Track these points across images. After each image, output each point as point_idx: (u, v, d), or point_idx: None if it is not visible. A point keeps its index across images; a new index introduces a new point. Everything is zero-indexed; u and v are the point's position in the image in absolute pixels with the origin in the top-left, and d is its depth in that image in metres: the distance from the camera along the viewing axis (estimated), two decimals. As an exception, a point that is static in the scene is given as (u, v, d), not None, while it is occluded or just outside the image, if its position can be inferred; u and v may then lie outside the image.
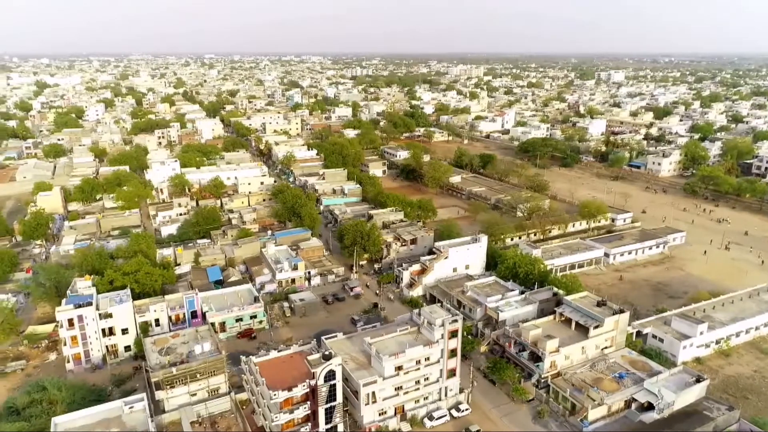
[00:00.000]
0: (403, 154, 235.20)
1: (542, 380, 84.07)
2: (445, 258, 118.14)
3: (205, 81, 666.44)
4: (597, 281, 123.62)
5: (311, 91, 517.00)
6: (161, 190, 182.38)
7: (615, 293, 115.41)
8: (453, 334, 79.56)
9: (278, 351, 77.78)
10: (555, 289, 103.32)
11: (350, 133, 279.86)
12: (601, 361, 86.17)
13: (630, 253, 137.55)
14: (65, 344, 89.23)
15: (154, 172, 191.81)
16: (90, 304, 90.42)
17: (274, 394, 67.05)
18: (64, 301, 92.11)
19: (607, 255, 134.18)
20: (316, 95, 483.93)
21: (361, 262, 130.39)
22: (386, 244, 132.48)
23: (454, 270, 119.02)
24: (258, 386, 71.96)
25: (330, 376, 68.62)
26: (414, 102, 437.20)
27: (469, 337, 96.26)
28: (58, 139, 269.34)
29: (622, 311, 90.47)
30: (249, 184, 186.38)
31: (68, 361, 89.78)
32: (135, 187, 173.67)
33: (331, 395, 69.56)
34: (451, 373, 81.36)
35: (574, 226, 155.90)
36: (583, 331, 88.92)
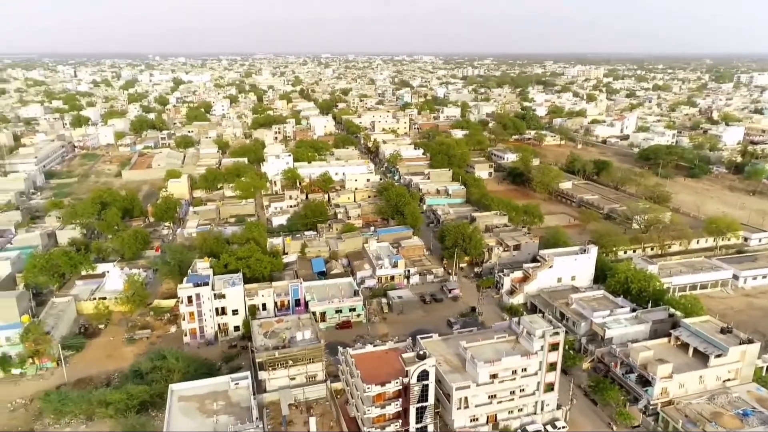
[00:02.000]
0: (511, 157, 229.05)
1: (651, 407, 77.80)
2: (550, 267, 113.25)
3: (320, 80, 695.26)
4: (722, 305, 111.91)
5: (421, 91, 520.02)
6: (275, 182, 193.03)
7: (744, 320, 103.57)
8: (553, 347, 76.04)
9: (374, 345, 79.16)
10: (671, 310, 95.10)
11: (458, 134, 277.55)
12: (722, 395, 77.90)
13: (765, 277, 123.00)
14: (184, 319, 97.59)
15: (269, 165, 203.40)
16: (207, 284, 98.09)
17: (368, 388, 68.29)
18: (185, 279, 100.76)
19: (736, 277, 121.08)
20: (426, 95, 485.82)
21: (461, 265, 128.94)
22: (488, 248, 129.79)
23: (559, 280, 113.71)
24: (353, 378, 73.74)
25: (423, 375, 68.59)
26: (526, 103, 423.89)
27: (571, 351, 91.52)
28: (189, 132, 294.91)
29: (750, 341, 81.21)
30: (356, 180, 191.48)
31: (185, 335, 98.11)
32: (252, 178, 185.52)
33: (423, 395, 69.50)
34: (549, 387, 77.84)
35: (698, 242, 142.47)
36: (702, 359, 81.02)
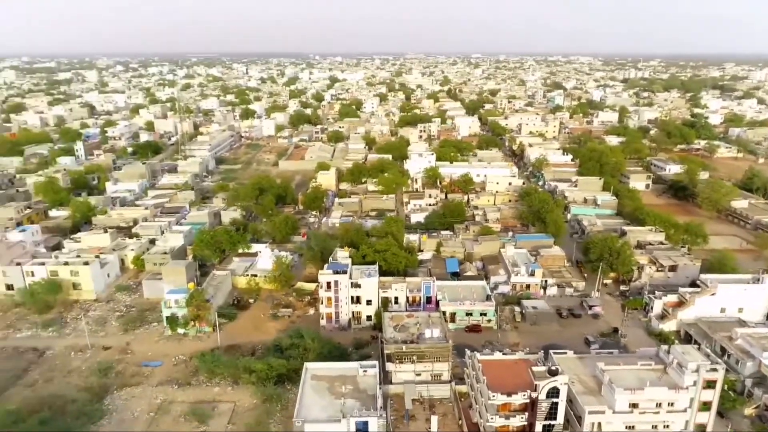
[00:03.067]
0: (674, 168, 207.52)
1: (832, 473, 65.65)
2: (712, 294, 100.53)
3: (469, 80, 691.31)
4: None
5: (575, 93, 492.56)
6: (416, 179, 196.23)
7: None
8: (709, 384, 67.58)
9: (503, 353, 77.01)
10: None
11: (613, 140, 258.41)
12: None
13: None
14: (322, 303, 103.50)
15: (412, 163, 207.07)
16: (345, 272, 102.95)
17: (493, 396, 66.59)
18: (326, 265, 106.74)
19: None
20: (580, 98, 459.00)
21: (605, 281, 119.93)
22: (638, 266, 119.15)
23: (722, 311, 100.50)
24: (478, 383, 72.41)
25: (553, 392, 65.09)
26: (697, 110, 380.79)
27: (731, 393, 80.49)
28: (339, 127, 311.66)
29: None
30: (497, 183, 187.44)
31: (322, 318, 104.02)
32: (394, 174, 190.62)
33: (552, 413, 65.97)
34: (700, 429, 69.34)
35: None
36: None
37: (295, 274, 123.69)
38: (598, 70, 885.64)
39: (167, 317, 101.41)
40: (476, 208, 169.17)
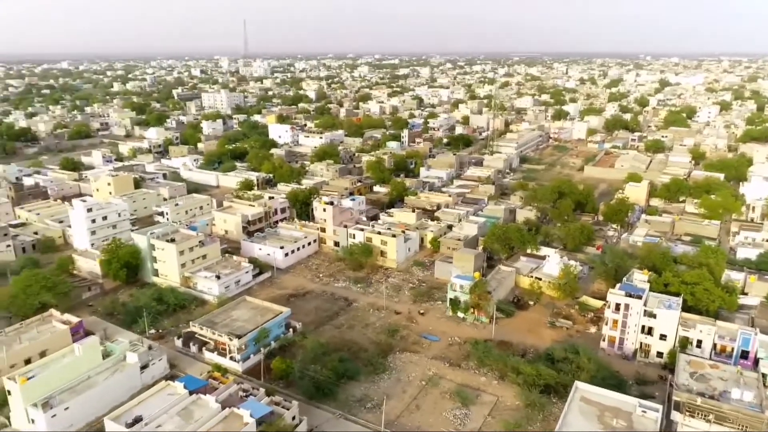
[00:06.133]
0: None
1: None
2: None
3: None
4: None
5: None
6: (753, 207, 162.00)
7: None
8: None
9: None
10: None
11: None
12: None
13: None
14: (606, 324, 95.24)
15: (751, 186, 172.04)
16: (640, 297, 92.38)
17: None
18: (618, 285, 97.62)
19: None
20: None
21: None
22: None
23: None
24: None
25: None
26: None
27: None
28: (662, 136, 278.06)
29: None
30: None
31: (603, 340, 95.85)
32: (724, 197, 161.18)
33: None
34: None
35: None
36: None
37: (581, 287, 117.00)
38: None
39: (450, 299, 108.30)
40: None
